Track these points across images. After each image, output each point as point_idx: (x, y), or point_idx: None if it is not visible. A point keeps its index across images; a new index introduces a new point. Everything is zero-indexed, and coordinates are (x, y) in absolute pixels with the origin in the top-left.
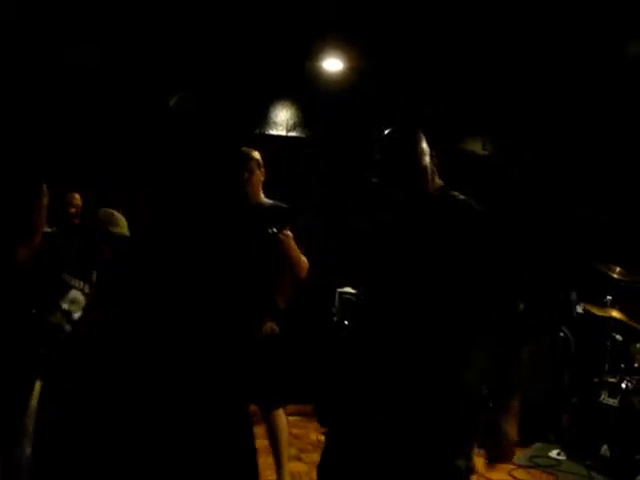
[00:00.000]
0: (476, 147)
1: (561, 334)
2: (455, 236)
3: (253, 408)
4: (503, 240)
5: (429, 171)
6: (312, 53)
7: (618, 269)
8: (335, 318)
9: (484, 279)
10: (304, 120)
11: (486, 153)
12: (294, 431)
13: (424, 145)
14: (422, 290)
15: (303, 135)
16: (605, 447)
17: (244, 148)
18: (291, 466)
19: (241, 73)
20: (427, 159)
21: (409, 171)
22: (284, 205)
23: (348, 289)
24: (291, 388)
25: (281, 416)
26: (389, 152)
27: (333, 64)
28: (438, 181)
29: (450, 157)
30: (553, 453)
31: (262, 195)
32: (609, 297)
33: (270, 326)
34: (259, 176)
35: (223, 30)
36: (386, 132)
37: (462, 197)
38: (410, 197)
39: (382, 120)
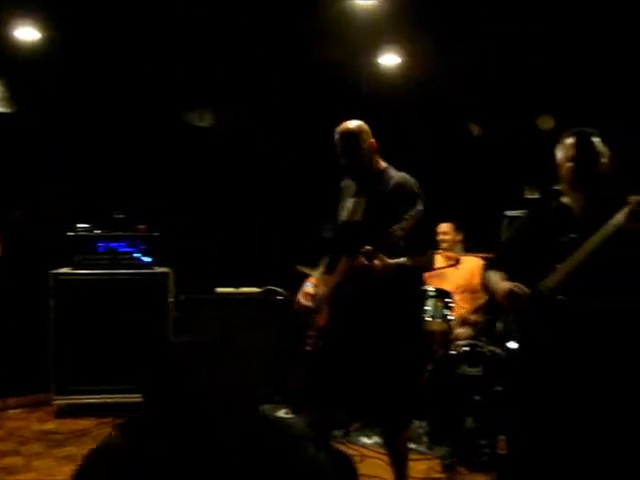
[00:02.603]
0: (194, 118)
1: None
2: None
3: None
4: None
5: (367, 154)
6: (3, 23)
7: None
8: (51, 300)
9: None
10: (11, 93)
11: (206, 124)
12: (14, 424)
13: (363, 134)
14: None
15: (8, 110)
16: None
17: None
18: (7, 461)
19: None
20: (365, 145)
21: (352, 156)
22: None
23: (64, 269)
24: None
25: None
26: (340, 145)
27: (28, 33)
28: (382, 163)
29: (172, 132)
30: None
31: None
32: None
33: None
34: None
35: None
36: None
37: (397, 173)
38: (357, 176)
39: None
